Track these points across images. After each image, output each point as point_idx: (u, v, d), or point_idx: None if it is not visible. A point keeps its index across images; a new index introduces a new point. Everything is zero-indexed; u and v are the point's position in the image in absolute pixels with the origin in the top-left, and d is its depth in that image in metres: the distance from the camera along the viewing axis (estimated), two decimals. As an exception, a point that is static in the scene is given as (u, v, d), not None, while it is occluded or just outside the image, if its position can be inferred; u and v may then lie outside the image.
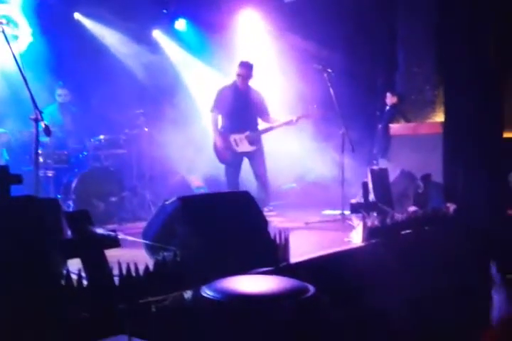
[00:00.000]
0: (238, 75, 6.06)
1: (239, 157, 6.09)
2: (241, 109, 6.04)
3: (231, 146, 6.05)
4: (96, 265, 2.52)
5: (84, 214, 2.58)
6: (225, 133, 6.08)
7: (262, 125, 6.26)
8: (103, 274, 2.52)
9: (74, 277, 2.45)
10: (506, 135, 6.50)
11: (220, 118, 6.18)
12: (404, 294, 4.16)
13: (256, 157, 6.12)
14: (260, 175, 6.12)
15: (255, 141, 6.08)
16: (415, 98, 7.51)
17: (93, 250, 2.53)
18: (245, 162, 6.22)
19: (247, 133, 6.05)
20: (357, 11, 7.45)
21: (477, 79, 6.21)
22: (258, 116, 6.20)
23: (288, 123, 6.00)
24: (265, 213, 5.75)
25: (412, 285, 4.23)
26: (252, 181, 6.23)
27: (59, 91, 6.47)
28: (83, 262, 2.51)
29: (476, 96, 6.18)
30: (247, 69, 6.05)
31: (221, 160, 6.12)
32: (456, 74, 6.34)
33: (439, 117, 6.93)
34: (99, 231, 2.59)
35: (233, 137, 6.05)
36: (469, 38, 6.21)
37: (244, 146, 6.05)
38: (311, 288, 2.14)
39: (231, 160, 6.06)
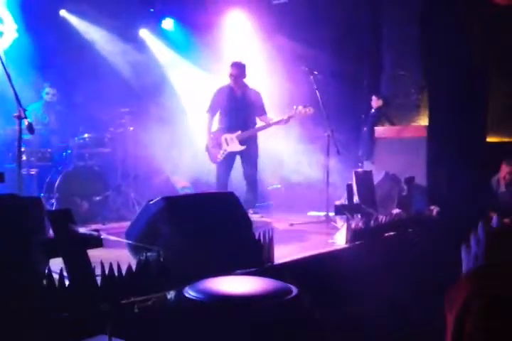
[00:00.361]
0: (230, 76, 6.05)
1: (230, 157, 6.09)
2: (236, 109, 6.06)
3: (222, 146, 6.06)
4: (78, 265, 2.50)
5: (67, 214, 2.55)
6: (219, 133, 6.10)
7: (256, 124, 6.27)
8: (85, 274, 2.49)
9: (56, 277, 2.43)
10: (490, 139, 6.57)
11: (216, 118, 6.19)
12: (388, 296, 4.18)
13: (247, 157, 6.11)
14: (249, 175, 6.12)
15: (247, 140, 6.07)
16: (400, 101, 7.55)
17: (75, 250, 2.51)
18: (238, 162, 6.21)
19: (239, 132, 6.05)
20: (343, 13, 7.47)
21: (462, 83, 6.27)
22: (256, 115, 6.21)
23: (279, 122, 5.99)
24: (251, 214, 5.79)
25: (395, 287, 4.25)
26: (241, 181, 6.22)
27: (47, 89, 6.41)
28: (65, 262, 2.48)
29: (461, 101, 6.25)
30: (239, 69, 6.04)
31: (212, 159, 6.13)
32: (441, 78, 6.40)
33: (424, 121, 6.98)
34: (82, 230, 2.57)
35: (225, 137, 6.06)
36: (454, 42, 6.28)
37: (234, 146, 6.04)
38: (294, 289, 2.14)
39: (221, 159, 6.06)
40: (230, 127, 6.06)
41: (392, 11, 7.60)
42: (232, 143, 6.04)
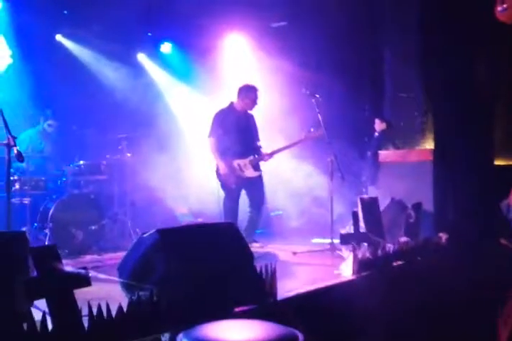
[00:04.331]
0: (253, 101, 5.87)
1: (242, 183, 5.83)
2: (242, 133, 5.83)
3: (235, 171, 5.80)
4: (63, 306, 2.28)
5: (52, 250, 2.35)
6: (227, 157, 5.81)
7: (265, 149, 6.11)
8: (70, 317, 2.28)
9: (38, 319, 2.22)
10: (498, 162, 6.39)
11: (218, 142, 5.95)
12: (399, 330, 3.96)
13: (258, 183, 5.90)
14: (260, 203, 5.92)
15: (258, 166, 5.90)
16: (404, 124, 7.41)
17: (60, 290, 2.30)
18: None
19: (251, 157, 5.85)
20: (343, 35, 7.37)
21: (467, 106, 6.12)
22: (255, 142, 6.01)
23: (292, 145, 5.88)
24: (250, 243, 5.58)
25: (406, 320, 4.03)
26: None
27: (50, 122, 6.23)
28: (49, 303, 2.27)
29: (466, 124, 6.09)
30: (256, 93, 5.89)
31: (224, 185, 5.85)
32: (446, 100, 6.25)
33: (429, 144, 6.81)
34: (69, 268, 2.36)
35: (237, 162, 5.81)
36: (457, 64, 6.15)
37: (249, 172, 5.82)
38: (300, 336, 1.92)
39: (235, 186, 5.80)
40: (239, 152, 5.81)
41: (392, 33, 7.52)
42: (247, 169, 5.82)
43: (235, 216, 5.80)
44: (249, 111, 6.03)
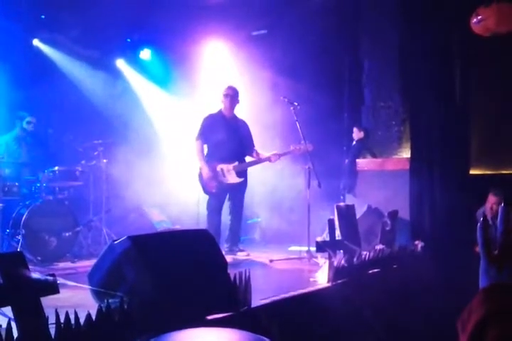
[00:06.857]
0: (226, 96, 5.79)
1: (225, 188, 5.73)
2: (229, 138, 5.74)
3: (218, 176, 5.70)
4: (29, 314, 2.23)
5: (18, 257, 2.30)
6: (211, 162, 5.74)
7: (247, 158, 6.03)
8: (37, 324, 2.22)
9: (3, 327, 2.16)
10: (473, 171, 6.45)
11: (205, 146, 5.87)
12: (374, 337, 3.95)
13: (240, 190, 5.81)
14: (239, 210, 5.84)
15: (242, 172, 5.81)
16: (382, 133, 7.44)
17: (26, 297, 2.24)
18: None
19: (236, 163, 5.75)
20: (322, 44, 7.40)
21: (444, 115, 6.18)
22: (243, 148, 5.93)
23: (272, 158, 5.79)
24: (236, 252, 5.62)
25: (381, 327, 4.02)
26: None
27: (29, 118, 6.06)
28: (14, 311, 2.22)
29: (443, 133, 6.14)
30: (234, 91, 5.83)
31: (207, 190, 5.75)
32: (423, 110, 6.31)
33: (406, 153, 6.86)
34: (36, 275, 2.31)
35: (220, 167, 5.71)
36: (435, 74, 6.22)
37: (232, 177, 5.72)
38: (270, 343, 1.89)
39: (217, 191, 5.70)
40: (223, 157, 5.72)
41: (372, 44, 7.58)
42: (230, 175, 5.71)
43: (217, 224, 5.70)
44: (239, 117, 6.01)
